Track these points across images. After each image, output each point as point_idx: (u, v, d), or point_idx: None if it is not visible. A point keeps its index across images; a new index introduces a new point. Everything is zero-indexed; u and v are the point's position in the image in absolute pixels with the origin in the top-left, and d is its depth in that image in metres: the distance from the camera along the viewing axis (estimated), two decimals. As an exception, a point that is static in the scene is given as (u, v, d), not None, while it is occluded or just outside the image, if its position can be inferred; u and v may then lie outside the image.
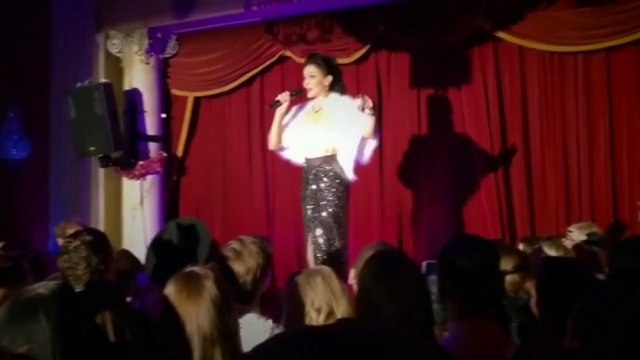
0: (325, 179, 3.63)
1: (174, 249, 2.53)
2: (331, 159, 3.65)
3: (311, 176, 3.67)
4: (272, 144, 3.87)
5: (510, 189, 4.68)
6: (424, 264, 3.48)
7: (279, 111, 3.76)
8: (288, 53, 5.25)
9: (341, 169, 3.64)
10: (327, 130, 3.65)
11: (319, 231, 3.59)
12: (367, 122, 3.54)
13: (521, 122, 4.69)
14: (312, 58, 3.78)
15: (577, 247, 3.31)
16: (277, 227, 5.32)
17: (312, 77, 3.68)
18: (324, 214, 3.59)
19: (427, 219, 4.82)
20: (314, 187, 3.65)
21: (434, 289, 1.62)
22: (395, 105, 4.98)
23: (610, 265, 2.30)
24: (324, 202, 3.60)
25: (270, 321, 2.12)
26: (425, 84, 4.89)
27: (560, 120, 4.59)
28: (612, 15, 4.30)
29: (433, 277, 1.81)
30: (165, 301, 1.56)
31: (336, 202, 3.60)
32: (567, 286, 1.65)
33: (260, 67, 5.39)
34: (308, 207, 3.67)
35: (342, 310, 1.78)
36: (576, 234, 3.47)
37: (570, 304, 1.27)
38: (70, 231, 3.12)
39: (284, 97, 3.73)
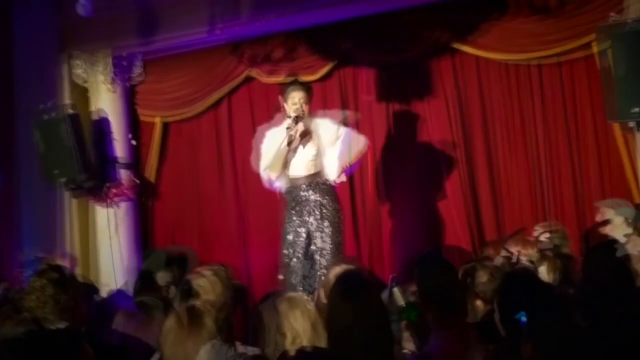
0: (319, 189, 3.80)
1: (160, 278, 2.56)
2: (320, 173, 3.84)
3: (303, 189, 3.81)
4: (274, 173, 3.90)
5: (477, 195, 4.83)
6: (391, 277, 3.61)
7: (289, 142, 3.79)
8: (254, 73, 5.33)
9: (327, 178, 3.82)
10: (314, 151, 3.83)
11: (327, 233, 3.73)
12: (356, 149, 3.88)
13: (482, 129, 4.85)
14: (303, 85, 3.96)
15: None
16: (252, 246, 5.38)
17: (306, 104, 3.83)
18: (326, 222, 3.75)
19: (398, 229, 4.94)
20: (313, 197, 3.79)
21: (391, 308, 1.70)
22: (361, 120, 5.09)
23: (583, 277, 2.38)
24: (326, 210, 3.77)
25: (232, 349, 2.13)
26: (390, 98, 5.02)
27: (520, 125, 4.76)
28: (560, 22, 4.49)
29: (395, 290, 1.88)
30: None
31: (336, 207, 3.80)
32: (525, 302, 1.71)
33: (228, 89, 5.45)
34: (311, 219, 3.77)
35: (323, 343, 1.71)
36: (543, 234, 3.64)
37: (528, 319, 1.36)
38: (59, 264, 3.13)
39: (293, 129, 3.77)
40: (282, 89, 3.99)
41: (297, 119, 3.78)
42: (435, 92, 4.94)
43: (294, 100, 3.81)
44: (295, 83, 3.99)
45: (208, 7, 5.04)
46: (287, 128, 3.78)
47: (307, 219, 3.79)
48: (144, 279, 2.46)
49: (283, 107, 3.90)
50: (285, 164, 3.86)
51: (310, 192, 3.80)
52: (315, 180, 3.82)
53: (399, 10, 4.79)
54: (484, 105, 4.87)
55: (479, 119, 4.86)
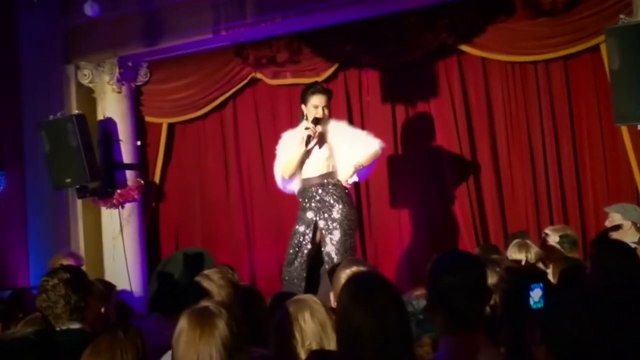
0: (331, 189, 3.78)
1: (177, 279, 2.54)
2: (332, 174, 3.83)
3: (315, 189, 3.80)
4: (287, 173, 3.90)
5: (482, 196, 4.83)
6: None
7: (307, 144, 3.79)
8: (259, 75, 5.35)
9: (339, 180, 3.81)
10: (327, 153, 3.82)
11: (336, 236, 3.70)
12: (369, 150, 3.81)
13: (488, 130, 4.85)
14: (325, 90, 3.95)
15: (551, 248, 3.50)
16: (257, 246, 5.39)
17: (326, 107, 3.84)
18: (335, 224, 3.72)
19: (404, 232, 4.94)
20: (324, 198, 3.77)
21: (409, 307, 1.68)
22: (365, 122, 5.10)
23: (596, 264, 2.38)
24: (336, 213, 3.73)
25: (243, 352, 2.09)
26: (395, 99, 5.02)
27: (524, 127, 4.76)
28: (566, 25, 4.48)
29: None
30: (177, 336, 1.57)
31: (347, 210, 3.76)
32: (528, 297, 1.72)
33: (232, 91, 5.46)
34: (321, 220, 3.75)
35: (332, 345, 1.72)
36: (552, 237, 3.64)
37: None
38: (64, 263, 3.16)
39: (312, 130, 3.77)
40: (302, 91, 3.95)
41: (316, 121, 3.78)
42: (440, 93, 4.94)
43: (315, 104, 3.81)
44: (316, 86, 3.97)
45: (213, 10, 5.06)
46: (306, 128, 3.78)
47: (317, 220, 3.78)
48: (161, 281, 2.44)
49: (302, 109, 3.90)
50: (301, 165, 3.85)
51: (322, 193, 3.79)
52: (327, 180, 3.80)
53: (403, 11, 4.79)
54: (490, 107, 4.87)
55: (485, 121, 4.86)
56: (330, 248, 3.70)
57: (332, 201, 3.76)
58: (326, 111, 3.83)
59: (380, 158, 4.06)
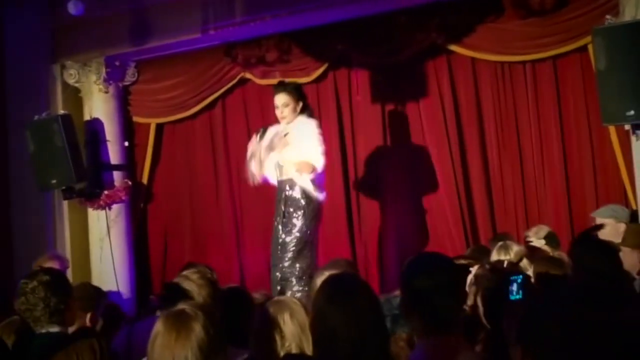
0: (295, 197, 3.74)
1: None
2: (293, 181, 3.79)
3: (283, 196, 3.78)
4: (255, 178, 3.92)
5: (471, 195, 4.83)
6: None
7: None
8: (248, 75, 5.32)
9: (307, 188, 3.76)
10: (293, 153, 3.78)
11: (291, 253, 3.67)
12: (313, 153, 3.73)
13: (477, 130, 4.85)
14: (282, 87, 3.88)
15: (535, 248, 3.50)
16: (246, 248, 5.36)
17: (287, 105, 3.77)
18: (296, 232, 3.69)
19: (393, 231, 4.93)
20: (284, 208, 3.75)
21: (387, 304, 1.67)
22: (355, 121, 5.08)
23: (579, 264, 2.37)
24: (293, 222, 3.71)
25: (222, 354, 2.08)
26: (384, 99, 5.02)
27: (514, 126, 4.77)
28: (556, 25, 4.49)
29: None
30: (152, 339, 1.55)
31: (305, 222, 3.71)
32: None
33: (221, 90, 5.43)
34: (280, 227, 3.75)
35: (312, 346, 1.70)
36: (535, 241, 3.65)
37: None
38: (49, 265, 3.12)
39: (255, 146, 3.79)
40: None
41: (263, 130, 3.81)
42: (429, 93, 4.94)
43: (275, 104, 3.80)
44: (277, 86, 3.93)
45: (201, 9, 5.02)
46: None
47: (279, 225, 3.78)
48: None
49: None
50: (261, 167, 3.86)
51: (284, 198, 3.76)
52: (289, 186, 3.77)
53: (393, 11, 4.78)
54: (479, 106, 4.86)
55: (474, 120, 4.86)
56: (287, 255, 3.69)
57: (291, 210, 3.75)
58: (286, 110, 3.75)
59: (322, 176, 3.90)
